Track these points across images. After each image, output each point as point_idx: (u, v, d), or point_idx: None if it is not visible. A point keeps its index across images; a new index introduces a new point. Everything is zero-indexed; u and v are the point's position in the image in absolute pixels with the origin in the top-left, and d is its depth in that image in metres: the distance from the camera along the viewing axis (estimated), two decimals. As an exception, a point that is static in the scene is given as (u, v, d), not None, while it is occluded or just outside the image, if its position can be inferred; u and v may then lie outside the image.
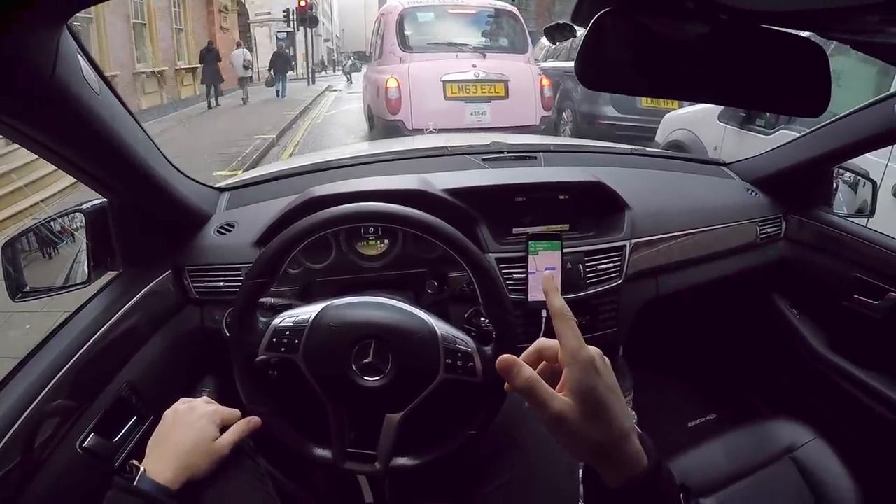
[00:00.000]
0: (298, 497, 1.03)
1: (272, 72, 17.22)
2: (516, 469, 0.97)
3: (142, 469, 0.80)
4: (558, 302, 0.59)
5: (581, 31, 0.59)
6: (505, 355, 0.57)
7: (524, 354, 0.63)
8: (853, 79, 3.06)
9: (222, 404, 0.95)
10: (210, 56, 14.45)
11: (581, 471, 0.61)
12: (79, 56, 0.75)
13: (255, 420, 0.93)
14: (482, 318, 1.18)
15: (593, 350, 0.57)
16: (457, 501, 1.04)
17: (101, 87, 0.82)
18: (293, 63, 22.12)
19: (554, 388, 0.57)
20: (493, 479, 0.98)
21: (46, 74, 0.67)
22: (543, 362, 0.63)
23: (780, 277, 1.65)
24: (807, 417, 1.27)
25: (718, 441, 1.27)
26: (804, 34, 0.59)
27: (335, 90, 20.38)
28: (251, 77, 16.35)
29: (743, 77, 0.60)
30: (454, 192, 1.30)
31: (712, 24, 0.56)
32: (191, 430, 0.86)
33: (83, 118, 0.79)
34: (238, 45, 16.75)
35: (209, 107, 14.35)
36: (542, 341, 0.63)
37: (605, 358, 0.58)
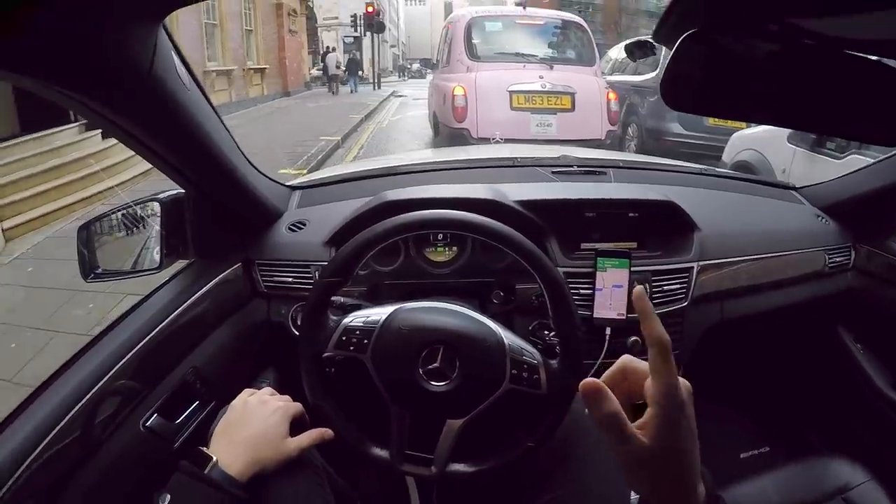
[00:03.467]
0: (348, 495, 1.04)
1: (346, 72, 23.22)
2: (569, 484, 0.95)
3: (214, 459, 0.81)
4: (659, 329, 0.51)
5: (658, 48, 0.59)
6: (590, 379, 0.51)
7: (608, 373, 0.57)
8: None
9: None
10: (328, 57, 22.93)
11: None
12: (173, 53, 0.79)
13: (328, 432, 0.94)
14: (546, 332, 1.18)
15: (686, 389, 0.52)
16: None
17: (191, 84, 0.86)
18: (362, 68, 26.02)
19: (630, 413, 0.53)
20: (545, 493, 0.96)
21: (145, 69, 0.71)
22: (626, 382, 0.57)
23: (846, 309, 1.59)
24: (863, 457, 1.22)
25: (771, 475, 1.23)
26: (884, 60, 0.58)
27: (400, 95, 20.68)
28: (339, 75, 22.70)
29: (823, 102, 0.60)
30: (525, 203, 1.30)
31: (795, 49, 0.56)
32: (264, 424, 0.88)
33: (174, 112, 0.83)
34: (332, 50, 24.00)
35: (329, 91, 21.88)
36: (628, 360, 0.57)
37: (692, 393, 0.53)
